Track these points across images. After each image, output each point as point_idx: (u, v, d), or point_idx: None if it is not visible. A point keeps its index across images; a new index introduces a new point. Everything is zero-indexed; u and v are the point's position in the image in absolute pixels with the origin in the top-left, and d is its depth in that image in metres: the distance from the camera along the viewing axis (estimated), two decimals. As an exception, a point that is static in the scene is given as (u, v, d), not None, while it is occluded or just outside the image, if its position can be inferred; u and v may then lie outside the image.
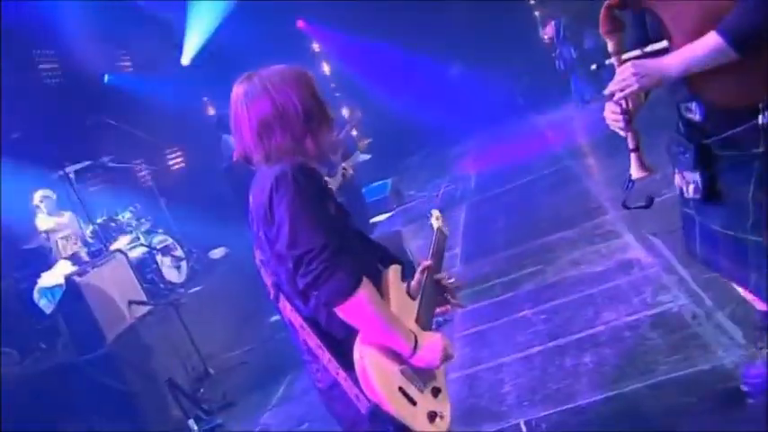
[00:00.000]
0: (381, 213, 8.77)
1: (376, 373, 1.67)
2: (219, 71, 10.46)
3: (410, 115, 12.62)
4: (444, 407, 1.82)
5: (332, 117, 1.84)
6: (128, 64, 10.01)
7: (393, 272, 1.88)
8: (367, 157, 10.88)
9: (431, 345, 1.78)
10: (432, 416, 1.75)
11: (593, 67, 2.26)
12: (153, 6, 9.73)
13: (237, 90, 1.81)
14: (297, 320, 1.78)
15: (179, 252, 7.42)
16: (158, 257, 7.04)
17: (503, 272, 5.06)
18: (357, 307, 1.64)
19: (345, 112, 9.22)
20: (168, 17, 10.32)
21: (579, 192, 6.31)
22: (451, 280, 2.12)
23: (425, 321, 1.89)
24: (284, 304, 1.80)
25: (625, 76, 1.95)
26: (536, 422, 3.03)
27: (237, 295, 6.82)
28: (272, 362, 5.32)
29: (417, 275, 2.01)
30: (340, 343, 1.73)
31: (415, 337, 1.76)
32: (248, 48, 9.94)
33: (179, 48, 10.72)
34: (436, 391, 1.82)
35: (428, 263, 2.05)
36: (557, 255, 4.92)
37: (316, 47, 13.98)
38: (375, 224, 8.22)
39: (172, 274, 7.20)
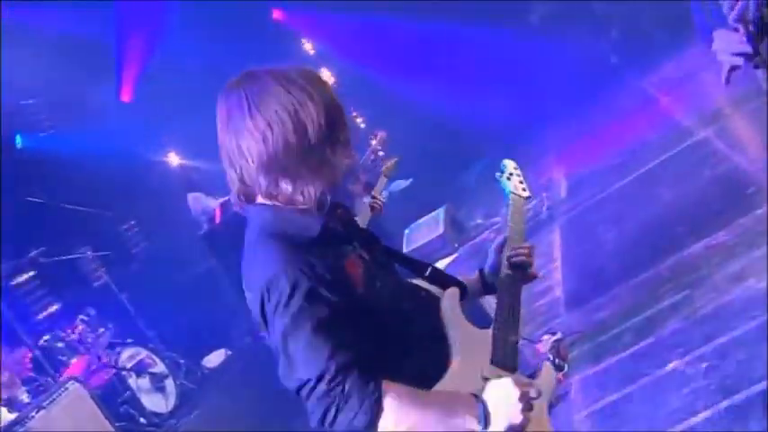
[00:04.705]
0: (438, 259, 8.73)
1: None
2: (177, 102, 10.73)
3: (455, 113, 12.63)
4: None
5: (348, 127, 2.00)
6: (45, 116, 10.30)
7: (449, 299, 2.10)
8: (405, 183, 10.90)
9: (498, 400, 1.85)
10: None
11: None
12: (69, 31, 10.02)
13: (221, 109, 1.97)
14: None
15: (159, 367, 7.52)
16: (131, 380, 7.12)
17: (630, 310, 4.99)
18: (390, 424, 1.78)
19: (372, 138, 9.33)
20: (94, 41, 10.64)
21: (725, 173, 6.21)
22: (556, 335, 2.23)
23: (507, 351, 2.02)
24: None
25: None
26: None
27: (252, 412, 6.83)
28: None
29: (492, 256, 2.31)
30: None
31: (480, 400, 1.86)
32: (212, 62, 10.18)
33: (116, 80, 11.04)
34: None
35: (502, 239, 2.32)
36: (707, 271, 4.84)
37: (306, 44, 14.20)
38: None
39: (154, 400, 7.28)
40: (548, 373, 2.11)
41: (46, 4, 9.26)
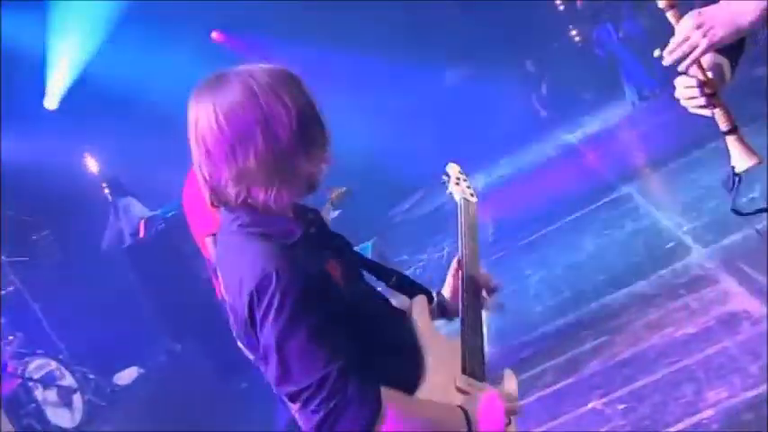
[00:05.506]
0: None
1: None
2: (104, 113, 10.56)
3: (389, 148, 12.76)
4: None
5: (324, 127, 1.97)
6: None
7: (418, 306, 2.14)
8: (334, 214, 10.91)
9: (486, 412, 1.95)
10: None
11: (657, 52, 2.31)
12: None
13: (190, 114, 1.88)
14: None
15: (68, 380, 7.34)
16: (37, 392, 6.94)
17: (553, 351, 5.13)
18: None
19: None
20: (20, 45, 10.43)
21: (646, 228, 6.52)
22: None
23: (475, 360, 2.09)
24: None
25: (687, 33, 2.00)
26: None
27: (161, 434, 6.72)
28: None
29: (451, 280, 2.32)
30: None
31: (465, 413, 1.92)
32: (143, 77, 10.10)
33: (42, 87, 10.83)
34: None
35: (459, 257, 2.32)
36: (627, 319, 5.04)
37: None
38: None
39: (60, 415, 7.10)
40: (510, 380, 2.20)
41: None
